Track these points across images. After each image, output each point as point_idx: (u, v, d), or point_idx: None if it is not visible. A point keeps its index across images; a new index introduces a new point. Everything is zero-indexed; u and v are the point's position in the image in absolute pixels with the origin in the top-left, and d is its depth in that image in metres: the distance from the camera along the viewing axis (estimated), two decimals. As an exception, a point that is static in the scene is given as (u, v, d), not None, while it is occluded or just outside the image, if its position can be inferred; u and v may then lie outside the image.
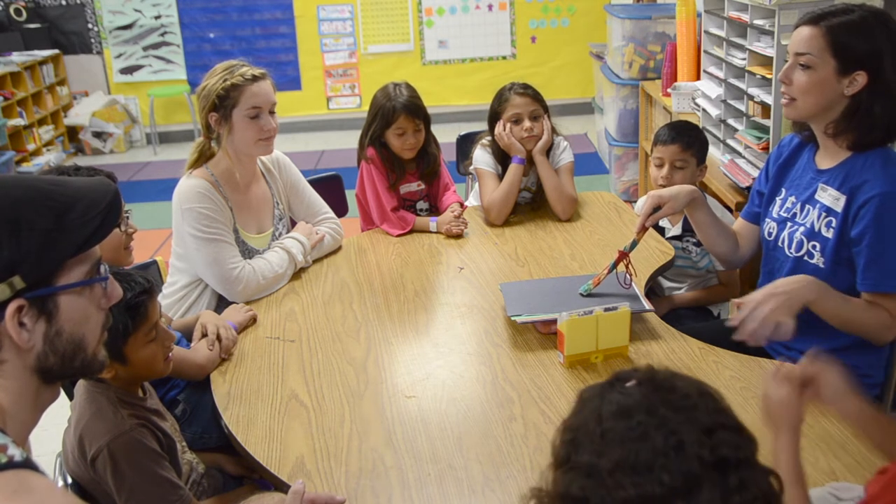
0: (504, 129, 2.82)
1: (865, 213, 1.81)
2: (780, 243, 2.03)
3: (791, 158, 2.06)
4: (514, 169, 2.82)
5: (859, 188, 1.83)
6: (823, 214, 1.91)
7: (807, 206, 1.95)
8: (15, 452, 0.94)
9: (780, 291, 1.73)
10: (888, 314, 1.82)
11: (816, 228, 1.93)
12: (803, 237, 1.96)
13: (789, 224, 2.00)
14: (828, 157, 1.93)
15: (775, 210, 2.06)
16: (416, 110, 2.77)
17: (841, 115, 1.84)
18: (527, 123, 2.80)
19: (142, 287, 1.61)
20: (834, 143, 1.89)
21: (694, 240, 2.64)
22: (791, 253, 1.99)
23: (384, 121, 2.78)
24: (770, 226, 2.07)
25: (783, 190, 2.06)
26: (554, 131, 2.88)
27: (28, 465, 0.94)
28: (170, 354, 1.73)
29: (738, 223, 2.26)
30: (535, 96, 2.86)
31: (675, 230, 2.73)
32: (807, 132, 2.00)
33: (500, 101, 2.87)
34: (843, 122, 1.84)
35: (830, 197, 1.88)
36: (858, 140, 1.84)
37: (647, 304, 2.06)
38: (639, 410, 0.92)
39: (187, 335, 2.09)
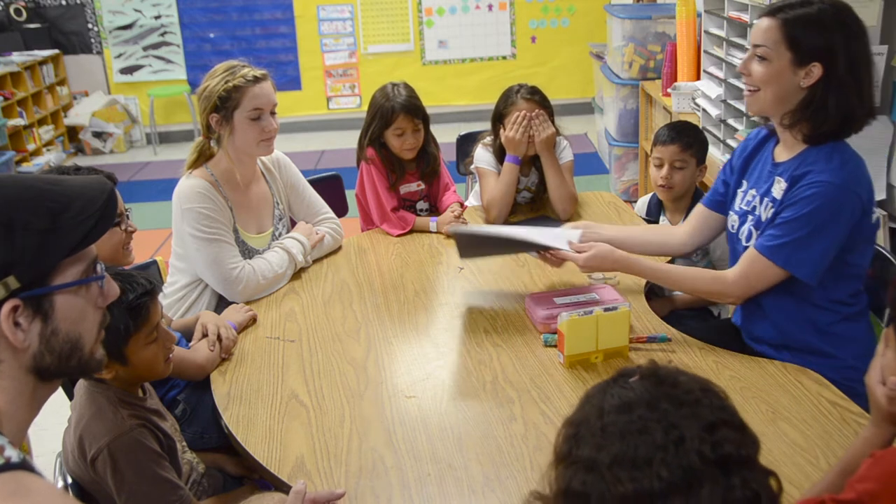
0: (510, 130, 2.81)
1: (797, 194, 1.82)
2: (739, 235, 2.04)
3: (755, 151, 2.07)
4: (508, 168, 2.83)
5: (802, 177, 1.84)
6: (770, 205, 1.92)
7: (765, 199, 1.96)
8: (12, 454, 0.93)
9: (582, 259, 2.05)
10: (737, 279, 1.92)
11: (763, 218, 1.95)
12: (752, 228, 1.98)
13: (750, 217, 2.00)
14: (785, 151, 1.94)
15: (737, 203, 2.07)
16: (414, 110, 2.77)
17: (797, 106, 1.85)
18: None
19: (144, 288, 1.60)
20: (790, 135, 1.90)
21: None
22: (745, 243, 2.00)
23: (383, 121, 2.78)
24: (733, 219, 2.08)
25: (744, 182, 2.07)
26: (556, 131, 2.88)
27: (25, 466, 0.93)
28: (170, 356, 1.73)
29: (697, 209, 2.25)
30: (542, 102, 2.86)
31: (675, 230, 2.73)
32: (772, 124, 2.01)
33: (506, 102, 2.87)
34: (798, 112, 1.85)
35: (779, 188, 1.90)
36: (812, 132, 1.85)
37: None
38: (640, 405, 0.92)
39: (187, 335, 2.09)
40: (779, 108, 1.87)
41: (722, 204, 2.16)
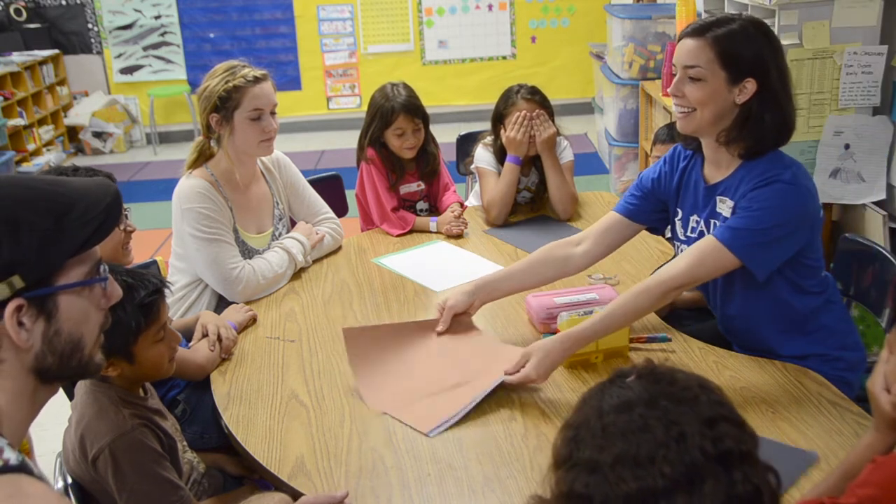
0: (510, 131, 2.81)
1: (758, 195, 1.79)
2: None
3: (682, 178, 2.03)
4: (509, 168, 2.83)
5: (758, 186, 1.81)
6: (721, 223, 1.88)
7: (711, 221, 1.92)
8: (10, 456, 0.93)
9: (535, 372, 1.76)
10: (686, 270, 1.80)
11: None
12: None
13: None
14: (717, 170, 1.91)
15: (681, 232, 2.02)
16: (414, 110, 2.78)
17: (732, 124, 1.83)
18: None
19: (154, 286, 1.62)
20: (726, 153, 1.87)
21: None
22: None
23: (383, 121, 2.79)
24: (682, 248, 2.01)
25: (679, 211, 2.02)
26: (556, 131, 2.89)
27: (24, 468, 0.93)
28: (174, 355, 1.73)
29: (610, 217, 2.11)
30: (543, 102, 2.86)
31: (675, 230, 2.73)
32: (693, 143, 1.97)
33: (506, 103, 2.87)
34: (734, 130, 1.83)
35: (727, 207, 1.87)
36: (750, 148, 1.83)
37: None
38: (639, 403, 0.92)
39: (187, 335, 2.09)
40: (715, 128, 1.85)
41: (635, 212, 2.08)
